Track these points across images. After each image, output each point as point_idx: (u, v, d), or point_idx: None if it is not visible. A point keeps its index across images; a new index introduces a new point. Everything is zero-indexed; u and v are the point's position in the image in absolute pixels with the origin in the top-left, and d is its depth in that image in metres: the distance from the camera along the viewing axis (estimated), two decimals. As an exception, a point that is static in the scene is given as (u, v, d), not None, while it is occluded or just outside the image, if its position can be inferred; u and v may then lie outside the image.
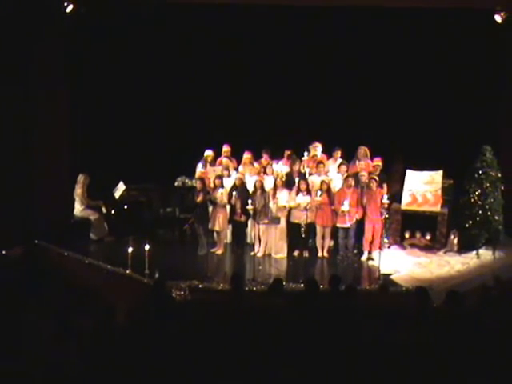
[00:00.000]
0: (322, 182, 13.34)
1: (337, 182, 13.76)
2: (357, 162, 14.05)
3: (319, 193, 13.15)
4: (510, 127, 14.62)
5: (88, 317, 8.24)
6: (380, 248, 12.87)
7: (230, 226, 13.94)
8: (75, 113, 14.82)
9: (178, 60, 15.58)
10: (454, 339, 7.71)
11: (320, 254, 13.52)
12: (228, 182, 13.71)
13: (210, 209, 13.62)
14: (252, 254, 13.37)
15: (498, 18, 13.74)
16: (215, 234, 13.71)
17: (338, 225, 13.38)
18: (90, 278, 12.50)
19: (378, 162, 13.88)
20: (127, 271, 12.14)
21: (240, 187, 13.47)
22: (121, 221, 14.39)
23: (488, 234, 13.48)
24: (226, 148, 14.45)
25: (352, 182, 13.27)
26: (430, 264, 13.11)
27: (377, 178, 13.35)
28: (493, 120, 14.62)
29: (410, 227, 13.82)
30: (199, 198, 13.40)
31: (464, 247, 13.55)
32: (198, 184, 13.62)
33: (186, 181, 14.62)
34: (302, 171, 13.96)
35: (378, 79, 15.24)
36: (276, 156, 14.39)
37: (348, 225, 13.26)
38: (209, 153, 14.44)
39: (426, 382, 7.14)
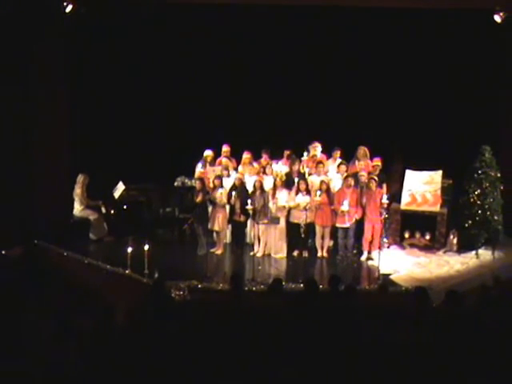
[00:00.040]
0: (322, 181, 13.35)
1: (336, 181, 13.76)
2: (356, 162, 14.06)
3: (319, 193, 13.15)
4: (509, 127, 14.64)
5: (88, 317, 8.24)
6: (379, 248, 12.87)
7: (230, 226, 13.94)
8: (75, 113, 14.82)
9: (178, 60, 15.58)
10: (454, 339, 7.71)
11: (319, 254, 13.53)
12: (227, 182, 13.71)
13: (210, 209, 13.63)
14: (251, 254, 13.38)
15: (497, 18, 13.74)
16: (215, 234, 13.72)
17: (338, 225, 13.38)
18: (89, 278, 12.50)
19: (377, 161, 13.89)
20: (127, 271, 12.14)
21: (239, 187, 13.47)
22: (120, 221, 14.40)
23: (487, 234, 13.48)
24: (225, 148, 14.46)
25: (351, 181, 13.27)
26: (430, 264, 13.11)
27: (376, 178, 13.36)
28: (492, 120, 14.62)
29: (409, 227, 13.82)
30: (199, 198, 13.41)
31: (463, 247, 13.56)
32: (197, 184, 13.63)
33: (186, 181, 14.62)
34: (302, 171, 13.96)
35: (377, 79, 15.24)
36: (275, 156, 14.40)
37: (347, 225, 13.26)
38: (208, 153, 14.44)
39: (425, 382, 7.14)
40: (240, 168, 14.29)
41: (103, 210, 14.47)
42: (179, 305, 10.81)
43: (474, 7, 13.60)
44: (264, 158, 14.29)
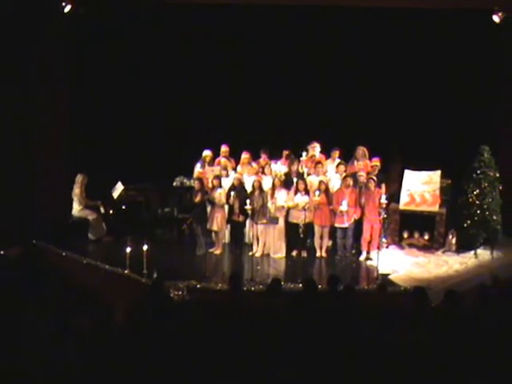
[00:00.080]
0: (321, 182, 13.35)
1: (335, 181, 13.76)
2: (355, 162, 14.07)
3: (317, 193, 13.14)
4: (508, 127, 14.65)
5: (86, 317, 8.24)
6: (378, 248, 12.89)
7: (229, 226, 13.94)
8: (74, 113, 14.82)
9: (177, 60, 15.58)
10: (453, 339, 7.71)
11: (318, 254, 13.53)
12: (226, 182, 13.71)
13: (209, 209, 13.62)
14: (250, 254, 13.39)
15: (495, 18, 13.74)
16: (213, 234, 13.72)
17: (337, 225, 13.39)
18: (88, 278, 12.50)
19: (376, 162, 13.89)
20: (125, 271, 12.14)
21: (238, 187, 13.47)
22: (119, 221, 14.41)
23: (486, 234, 13.49)
24: (224, 148, 14.46)
25: (350, 182, 13.28)
26: (428, 264, 13.12)
27: (375, 178, 13.37)
28: (491, 120, 14.63)
29: (408, 227, 13.83)
30: (197, 198, 13.41)
31: (462, 247, 13.56)
32: (196, 184, 13.62)
33: (185, 181, 14.62)
34: (301, 171, 13.97)
35: (376, 79, 15.25)
36: (274, 156, 14.40)
37: (346, 225, 13.27)
38: (207, 153, 14.43)
39: (424, 382, 7.14)
40: (239, 168, 14.28)
41: (102, 210, 14.47)
42: (178, 305, 10.80)
43: (473, 7, 13.60)
44: (263, 158, 14.30)
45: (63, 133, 14.63)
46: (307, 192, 13.32)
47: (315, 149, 14.29)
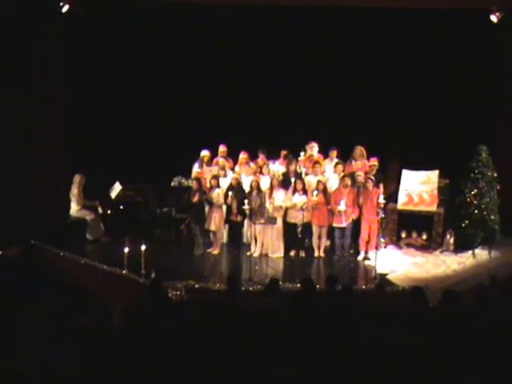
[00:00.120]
0: (319, 181, 13.35)
1: (333, 181, 13.77)
2: (353, 162, 14.08)
3: (315, 193, 13.15)
4: (506, 127, 14.66)
5: (84, 317, 8.22)
6: (376, 248, 12.90)
7: (227, 226, 13.94)
8: (72, 113, 14.81)
9: (175, 60, 15.57)
10: (451, 339, 7.71)
11: (316, 254, 13.54)
12: (224, 182, 13.71)
13: (207, 209, 13.62)
14: (248, 254, 13.40)
15: (493, 18, 13.75)
16: (211, 234, 13.72)
17: (335, 225, 13.39)
18: (86, 278, 12.48)
19: (374, 161, 13.89)
20: (123, 271, 12.14)
21: (236, 187, 13.47)
22: (117, 221, 14.40)
23: (484, 234, 13.51)
24: (222, 148, 14.45)
25: (348, 181, 13.28)
26: (426, 263, 13.13)
27: (373, 178, 13.37)
28: (489, 120, 14.63)
29: (406, 227, 13.84)
30: (195, 198, 13.41)
31: (460, 247, 13.58)
32: (194, 184, 13.62)
33: (183, 181, 14.62)
34: (299, 171, 13.97)
35: (374, 79, 15.24)
36: (272, 156, 14.40)
37: (344, 225, 13.27)
38: (205, 153, 14.43)
39: (422, 382, 7.14)
40: (237, 168, 14.28)
41: (100, 210, 14.45)
42: (176, 305, 10.80)
43: (471, 7, 13.61)
44: (261, 158, 14.30)
45: (61, 133, 14.60)
46: (305, 192, 13.32)
47: (313, 149, 14.29)
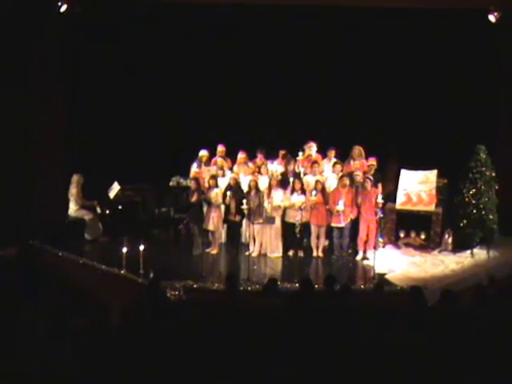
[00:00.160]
0: (317, 181, 13.34)
1: (331, 181, 13.77)
2: (351, 162, 14.07)
3: (314, 192, 13.15)
4: (504, 127, 14.67)
5: (83, 317, 8.22)
6: (375, 247, 12.90)
7: (225, 226, 13.94)
8: (70, 112, 14.80)
9: (174, 60, 15.56)
10: (449, 338, 7.72)
11: (315, 254, 13.53)
12: (223, 182, 13.71)
13: (205, 209, 13.62)
14: (247, 253, 13.40)
15: (491, 18, 13.75)
16: (210, 234, 13.71)
17: (333, 224, 13.39)
18: (84, 278, 12.48)
19: (372, 161, 13.89)
20: (122, 271, 12.13)
21: (235, 187, 13.47)
22: (115, 221, 14.39)
23: (482, 233, 13.52)
24: (220, 148, 14.44)
25: (347, 181, 13.28)
26: (425, 263, 13.13)
27: (371, 178, 13.37)
28: (487, 119, 14.63)
29: (404, 227, 13.84)
30: (194, 198, 13.40)
31: (458, 246, 13.58)
32: (192, 184, 13.62)
33: (181, 181, 14.62)
34: (297, 171, 13.96)
35: (372, 79, 15.24)
36: (271, 156, 14.39)
37: (343, 224, 13.27)
38: (203, 153, 14.42)
39: (421, 382, 7.14)
40: (235, 168, 14.27)
41: (98, 210, 14.45)
42: (174, 305, 10.81)
43: (469, 7, 13.61)
44: (259, 158, 14.29)
45: (58, 133, 14.60)
46: (304, 192, 13.32)
47: (312, 148, 14.29)
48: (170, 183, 14.72)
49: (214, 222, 13.47)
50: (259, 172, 13.92)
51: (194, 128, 15.28)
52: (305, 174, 13.87)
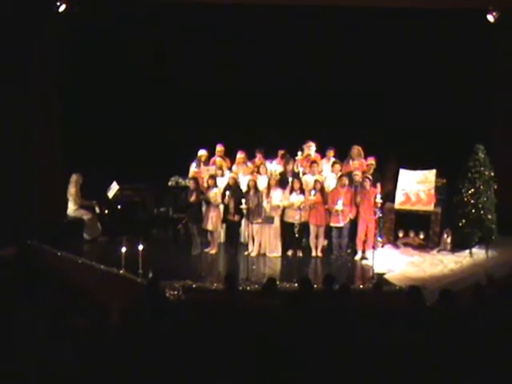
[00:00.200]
0: (316, 181, 13.34)
1: (330, 181, 13.77)
2: (350, 162, 14.07)
3: (313, 192, 13.16)
4: (503, 126, 14.66)
5: (82, 317, 8.22)
6: (374, 247, 12.90)
7: (224, 226, 13.94)
8: (69, 112, 14.79)
9: (173, 59, 15.56)
10: (448, 338, 7.72)
11: (314, 254, 13.53)
12: (221, 182, 13.71)
13: (204, 208, 13.61)
14: (246, 253, 13.39)
15: (490, 18, 13.76)
16: (209, 234, 13.71)
17: (332, 224, 13.39)
18: (83, 278, 12.49)
19: (371, 161, 13.90)
20: (121, 271, 12.14)
21: (233, 187, 13.47)
22: (114, 221, 14.39)
23: (481, 233, 13.52)
24: (219, 147, 14.44)
25: (346, 181, 13.27)
26: (424, 263, 13.14)
27: (370, 178, 13.38)
28: (486, 119, 14.64)
29: (403, 226, 13.84)
30: (193, 198, 13.41)
31: (457, 246, 13.59)
32: (191, 184, 13.62)
33: (180, 180, 14.62)
34: (296, 170, 13.96)
35: (371, 79, 15.24)
36: (269, 155, 14.40)
37: (342, 224, 13.27)
38: (202, 152, 14.42)
39: (419, 382, 7.15)
40: (234, 167, 14.28)
41: (97, 209, 14.45)
42: (173, 304, 10.80)
43: (468, 7, 13.60)
44: (258, 158, 14.29)
45: (57, 132, 14.59)
46: (302, 191, 13.32)
47: (310, 148, 14.29)
48: (169, 183, 14.72)
49: (213, 221, 13.47)
50: (258, 172, 13.92)
51: (192, 128, 15.27)
52: (304, 174, 13.87)
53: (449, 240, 13.60)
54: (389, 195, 13.95)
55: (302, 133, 14.59)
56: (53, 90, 14.41)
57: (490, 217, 13.46)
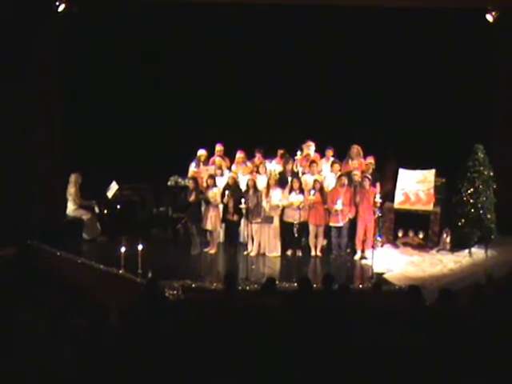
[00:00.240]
0: (315, 180, 13.35)
1: (330, 180, 13.77)
2: (350, 161, 14.07)
3: (312, 192, 13.16)
4: (502, 126, 14.67)
5: (81, 316, 8.23)
6: (373, 247, 12.90)
7: (223, 226, 13.93)
8: (68, 112, 14.79)
9: (172, 59, 15.56)
10: (447, 338, 7.72)
11: (313, 253, 13.53)
12: (221, 182, 13.71)
13: (203, 208, 13.61)
14: (245, 253, 13.39)
15: (489, 18, 13.76)
16: (208, 234, 13.71)
17: (331, 224, 13.39)
18: (83, 278, 12.49)
19: (370, 160, 13.90)
20: (120, 271, 12.14)
21: (233, 186, 13.47)
22: (114, 220, 14.39)
23: (480, 233, 13.52)
24: (218, 147, 14.44)
25: (345, 180, 13.28)
26: (423, 263, 13.14)
27: (370, 177, 13.38)
28: (485, 119, 14.64)
29: (402, 226, 13.84)
30: (192, 198, 13.41)
31: (456, 246, 13.59)
32: (190, 183, 13.62)
33: (179, 180, 14.62)
34: (295, 170, 13.96)
35: (371, 79, 15.25)
36: (269, 155, 14.40)
37: (341, 224, 13.27)
38: (202, 152, 14.42)
39: (419, 381, 7.15)
40: (233, 167, 14.28)
41: (96, 209, 14.45)
42: (173, 304, 10.80)
43: (467, 7, 13.61)
44: (257, 157, 14.29)
45: (56, 132, 14.59)
46: (302, 191, 13.33)
47: (310, 148, 14.30)
48: (169, 183, 14.71)
49: (212, 221, 13.47)
50: (257, 171, 13.92)
51: (192, 127, 15.27)
52: (303, 174, 13.87)
53: (448, 239, 13.61)
54: (388, 195, 13.95)
55: (301, 132, 14.59)
56: (53, 90, 14.43)
57: (489, 216, 13.46)
